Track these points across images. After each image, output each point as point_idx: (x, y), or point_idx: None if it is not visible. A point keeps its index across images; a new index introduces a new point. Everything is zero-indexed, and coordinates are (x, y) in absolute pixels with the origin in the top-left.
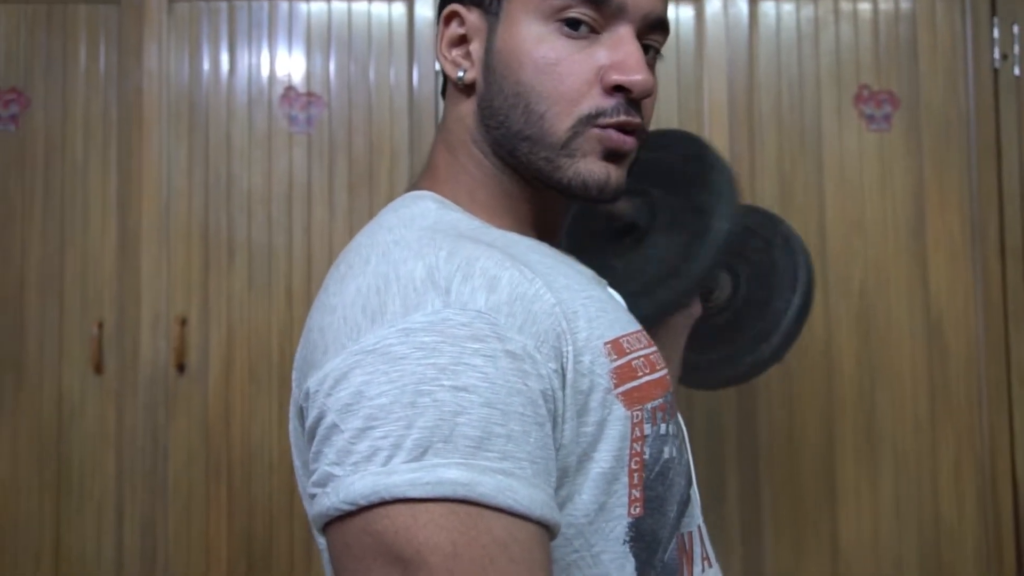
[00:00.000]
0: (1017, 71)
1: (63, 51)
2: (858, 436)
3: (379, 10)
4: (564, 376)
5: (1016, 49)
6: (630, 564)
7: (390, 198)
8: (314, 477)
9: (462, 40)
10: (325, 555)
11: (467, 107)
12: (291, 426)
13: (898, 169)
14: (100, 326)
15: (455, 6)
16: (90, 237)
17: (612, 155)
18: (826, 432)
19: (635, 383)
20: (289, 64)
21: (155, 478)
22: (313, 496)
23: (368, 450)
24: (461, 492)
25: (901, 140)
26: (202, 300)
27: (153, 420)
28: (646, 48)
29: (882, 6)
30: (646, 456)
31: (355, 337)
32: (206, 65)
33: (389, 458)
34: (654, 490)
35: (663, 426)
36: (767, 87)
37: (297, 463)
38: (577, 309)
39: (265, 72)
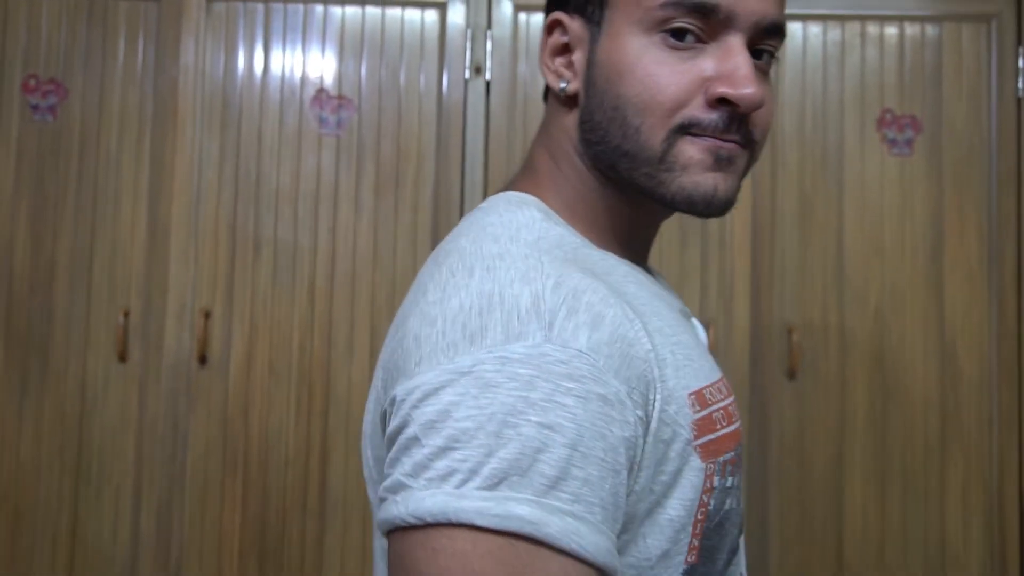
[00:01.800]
0: None
1: (102, 44)
2: (867, 456)
3: (412, 16)
4: (648, 424)
5: None
6: None
7: (416, 202)
8: (387, 482)
9: (565, 49)
10: (379, 553)
11: (570, 119)
12: (368, 417)
13: (918, 193)
14: (126, 315)
15: (559, 14)
16: (120, 227)
17: (717, 163)
18: (835, 451)
19: (713, 436)
20: (321, 66)
21: (173, 466)
22: (383, 500)
23: (445, 469)
24: (528, 529)
25: (922, 165)
26: (227, 294)
27: (174, 410)
28: (759, 53)
29: (908, 31)
30: (711, 507)
31: (451, 356)
32: (241, 64)
33: (464, 481)
34: (711, 539)
35: (731, 479)
36: (791, 106)
37: (368, 453)
38: (666, 356)
39: (298, 73)
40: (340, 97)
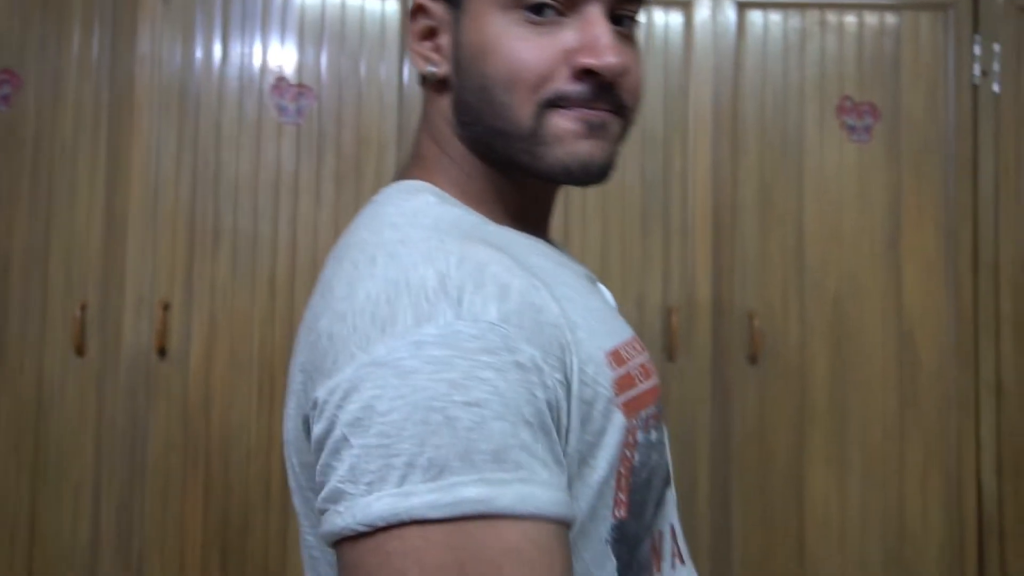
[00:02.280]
0: (996, 88)
1: (57, 33)
2: (828, 441)
3: (372, 5)
4: (569, 387)
5: (996, 67)
6: (611, 564)
7: (377, 191)
8: (325, 492)
9: (431, 33)
10: (308, 563)
11: (444, 103)
12: (289, 424)
13: (877, 180)
14: (83, 308)
15: None
16: (77, 219)
17: (589, 129)
18: (797, 436)
19: (634, 392)
20: (281, 55)
21: (133, 462)
22: (324, 511)
23: (381, 469)
24: (481, 508)
25: (881, 152)
26: (186, 286)
27: (133, 403)
28: (619, 19)
29: (868, 19)
30: (635, 462)
31: (365, 347)
32: (198, 52)
33: (403, 478)
34: (639, 494)
35: (653, 433)
36: (752, 95)
37: (293, 460)
38: (577, 320)
39: (257, 62)
40: (300, 85)
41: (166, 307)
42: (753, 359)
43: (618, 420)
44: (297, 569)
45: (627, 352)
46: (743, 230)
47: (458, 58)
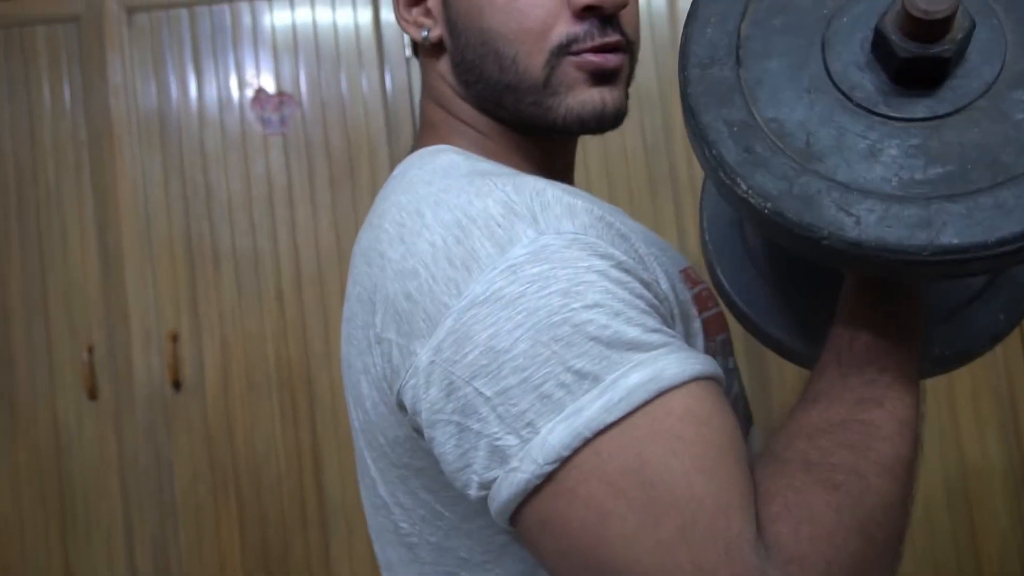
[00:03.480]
0: None
1: (25, 74)
2: None
3: (344, 19)
4: (662, 293)
5: None
6: None
7: (374, 191)
8: (476, 465)
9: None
10: (422, 547)
11: (443, 66)
12: (367, 405)
13: None
14: (91, 350)
15: None
16: (71, 261)
17: (600, 78)
18: None
19: (710, 313)
20: (257, 65)
21: (162, 498)
22: (491, 482)
23: (535, 403)
24: (652, 388)
25: None
26: (192, 313)
27: (154, 440)
28: None
29: None
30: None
31: (456, 292)
32: (172, 74)
33: (562, 400)
34: None
35: (731, 359)
36: None
37: (382, 440)
38: (641, 245)
39: (233, 76)
40: (280, 94)
41: (175, 338)
42: None
43: (700, 343)
44: None
45: (695, 274)
46: None
47: (450, 17)
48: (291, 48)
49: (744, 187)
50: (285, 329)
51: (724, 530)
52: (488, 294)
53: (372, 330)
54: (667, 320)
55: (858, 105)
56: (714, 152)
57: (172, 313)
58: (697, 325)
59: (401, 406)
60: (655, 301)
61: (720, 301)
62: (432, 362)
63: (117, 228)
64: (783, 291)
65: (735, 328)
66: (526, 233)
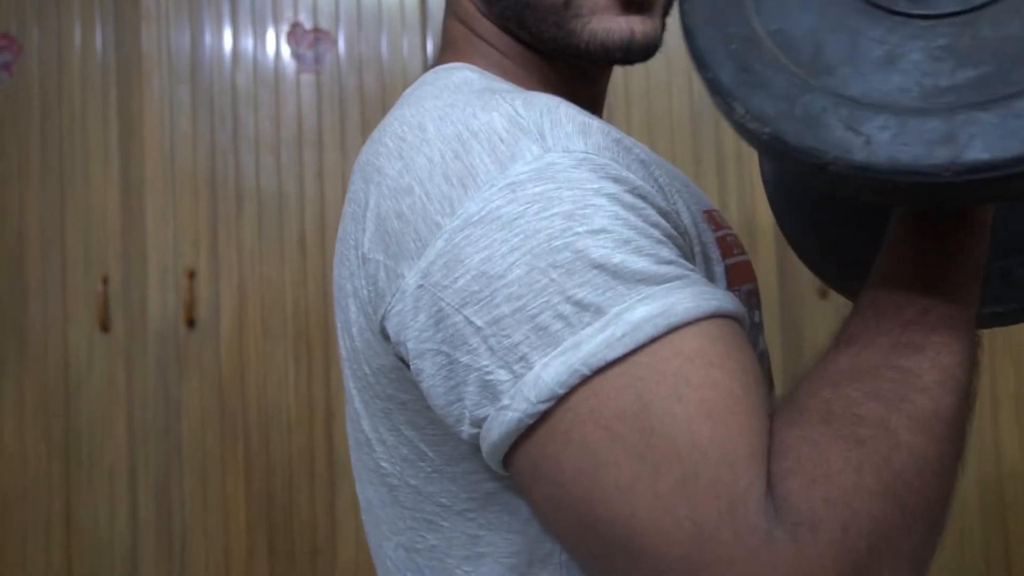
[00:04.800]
0: None
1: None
2: None
3: None
4: (683, 225)
5: None
6: None
7: None
8: (467, 400)
9: None
10: (401, 490)
11: None
12: (353, 331)
13: None
14: (105, 282)
15: None
16: (92, 189)
17: (631, 5)
18: None
19: (734, 260)
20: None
21: (168, 440)
22: (481, 421)
23: (530, 335)
24: (660, 324)
25: None
26: (211, 252)
27: (164, 379)
28: None
29: None
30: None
31: (449, 211)
32: (206, 5)
33: (559, 332)
34: None
35: (757, 313)
36: None
37: (366, 370)
38: (662, 172)
39: (269, 9)
40: (316, 30)
41: (192, 275)
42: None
43: (723, 288)
44: (347, 544)
45: (720, 218)
46: None
47: None
48: None
49: (741, 111)
50: (305, 276)
51: (729, 484)
52: (484, 213)
53: (360, 249)
54: (686, 254)
55: (875, 5)
56: (709, 75)
57: (191, 250)
58: (720, 270)
59: (384, 333)
60: (673, 232)
61: (745, 250)
62: (420, 286)
63: (140, 160)
64: (833, 229)
65: (767, 283)
66: (530, 149)
